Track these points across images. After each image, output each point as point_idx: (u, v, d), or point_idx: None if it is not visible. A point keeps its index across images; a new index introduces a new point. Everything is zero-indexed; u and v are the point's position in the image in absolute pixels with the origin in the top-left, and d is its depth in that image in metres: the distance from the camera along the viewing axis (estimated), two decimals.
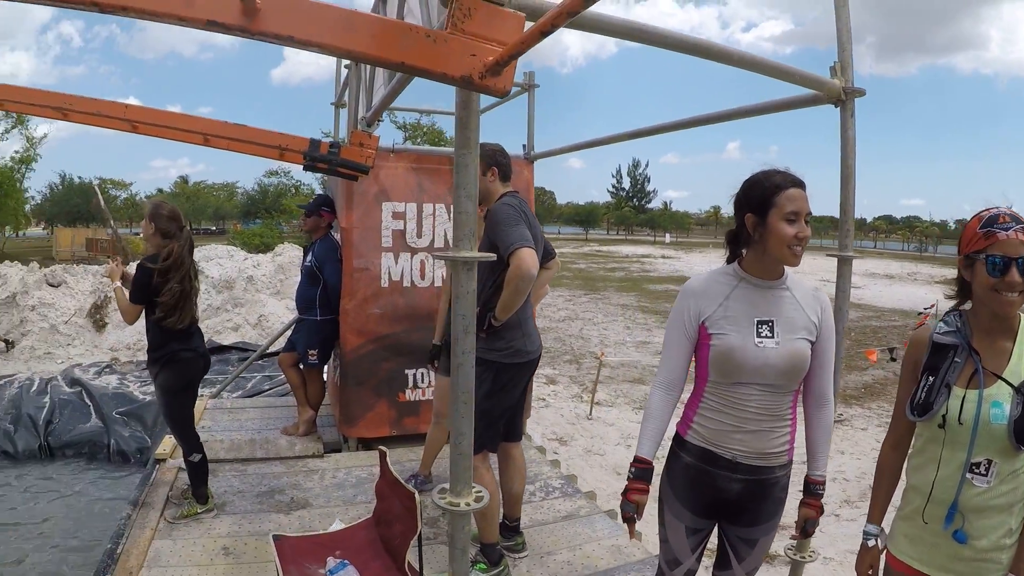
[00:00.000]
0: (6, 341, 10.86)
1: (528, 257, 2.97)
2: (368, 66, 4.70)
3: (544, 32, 1.49)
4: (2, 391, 8.41)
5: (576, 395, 9.06)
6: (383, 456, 3.26)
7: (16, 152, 36.30)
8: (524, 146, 5.79)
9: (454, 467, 2.23)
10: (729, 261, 2.29)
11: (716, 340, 2.16)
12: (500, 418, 3.46)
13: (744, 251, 2.23)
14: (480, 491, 2.23)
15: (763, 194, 2.12)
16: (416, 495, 2.77)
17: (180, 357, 4.02)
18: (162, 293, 3.86)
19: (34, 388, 8.51)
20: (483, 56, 1.71)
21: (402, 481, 2.99)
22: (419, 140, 33.52)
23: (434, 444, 4.43)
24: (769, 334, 2.13)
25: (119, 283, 4.14)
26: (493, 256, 2.58)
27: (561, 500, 4.53)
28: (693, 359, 2.31)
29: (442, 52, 1.72)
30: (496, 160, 3.48)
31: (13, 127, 34.05)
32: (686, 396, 2.36)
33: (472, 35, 1.72)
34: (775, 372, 2.11)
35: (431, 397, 5.13)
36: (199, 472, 4.19)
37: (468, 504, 2.20)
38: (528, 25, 1.73)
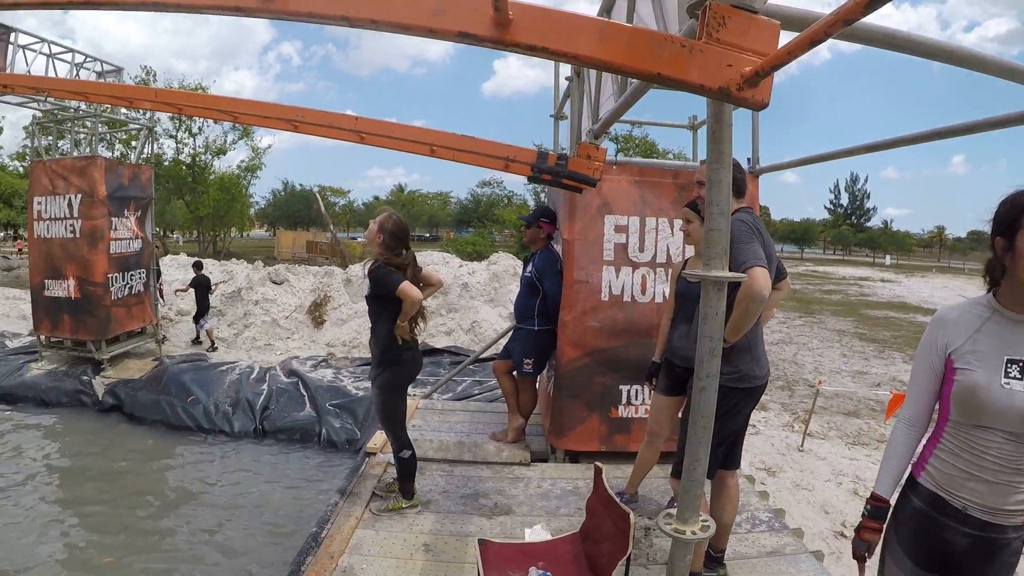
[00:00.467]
0: (212, 341, 12.18)
1: (761, 277, 2.92)
2: (593, 78, 4.83)
3: (815, 41, 1.47)
4: (224, 376, 9.65)
5: (787, 424, 8.70)
6: (599, 472, 3.30)
7: (243, 161, 41.78)
8: (748, 159, 5.66)
9: (684, 493, 2.24)
10: (989, 290, 2.13)
11: (960, 376, 2.03)
12: (721, 444, 3.41)
13: (1001, 280, 2.06)
14: (707, 520, 2.24)
15: (1011, 214, 1.96)
16: (631, 516, 2.79)
17: (402, 359, 4.33)
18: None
19: (254, 375, 9.70)
20: (739, 67, 1.70)
21: (617, 500, 3.02)
22: (631, 152, 33.57)
23: (644, 464, 4.43)
24: (1019, 375, 1.95)
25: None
26: (744, 276, 2.62)
27: (767, 534, 4.35)
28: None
29: (698, 62, 1.72)
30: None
31: (240, 138, 38.89)
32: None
33: (727, 45, 1.71)
34: (1021, 419, 1.94)
35: (644, 415, 5.18)
36: (407, 469, 4.50)
37: (694, 532, 2.20)
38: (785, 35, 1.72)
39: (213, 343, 12.23)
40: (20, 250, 40.70)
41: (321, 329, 12.66)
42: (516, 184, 59.84)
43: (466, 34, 1.83)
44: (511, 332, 6.15)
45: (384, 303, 4.26)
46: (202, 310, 12.39)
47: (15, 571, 5.37)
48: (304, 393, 9.02)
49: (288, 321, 12.94)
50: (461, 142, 4.55)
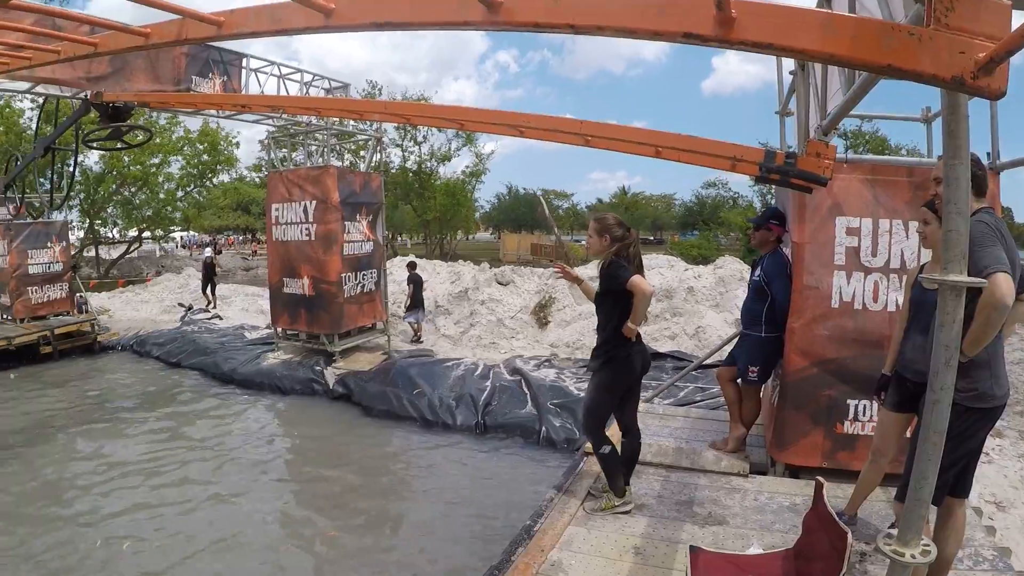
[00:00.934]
0: (417, 332, 13.07)
1: (1004, 283, 2.65)
2: (819, 71, 4.67)
3: None
4: (449, 372, 10.29)
5: None
6: (819, 488, 3.21)
7: (467, 167, 44.41)
8: (988, 154, 5.05)
9: (908, 514, 2.19)
10: None
11: None
12: (951, 467, 3.12)
13: None
14: (928, 545, 2.16)
15: None
16: (849, 536, 2.69)
17: (621, 356, 4.44)
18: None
19: (478, 372, 10.23)
20: (972, 53, 1.63)
21: (837, 518, 2.87)
22: (861, 149, 31.69)
23: (866, 484, 4.13)
24: None
25: (578, 282, 4.79)
26: (985, 283, 2.48)
27: (989, 575, 3.88)
28: None
29: (928, 51, 1.68)
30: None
31: (464, 145, 41.32)
32: None
33: (957, 30, 1.65)
34: None
35: (870, 433, 4.83)
36: (610, 464, 4.58)
37: (914, 556, 2.14)
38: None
39: (418, 335, 13.23)
40: (255, 252, 46.88)
41: (545, 330, 12.99)
42: (741, 185, 57.93)
43: (691, 34, 1.90)
44: (737, 338, 6.01)
45: (615, 300, 4.41)
46: (415, 304, 13.34)
47: (237, 534, 6.22)
48: (526, 391, 9.37)
49: (513, 321, 13.42)
50: (687, 142, 4.62)
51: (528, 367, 10.28)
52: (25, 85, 9.33)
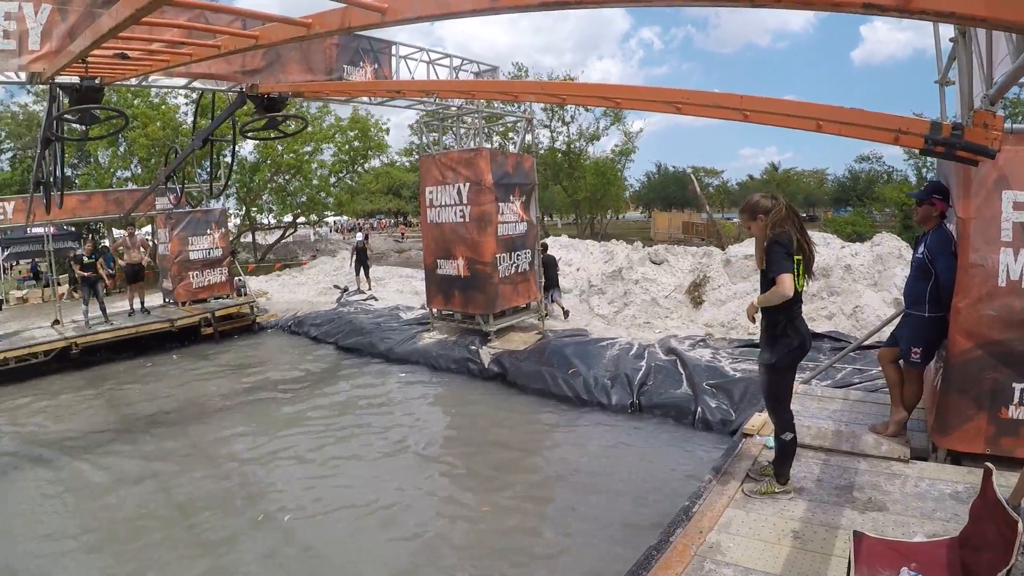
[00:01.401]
0: (563, 309, 13.29)
1: None
2: (983, 37, 4.43)
3: None
4: (604, 351, 10.41)
5: None
6: (988, 474, 3.11)
7: (616, 146, 44.66)
8: None
9: None
10: None
11: None
12: None
13: None
14: None
15: None
16: (1020, 524, 2.61)
17: (788, 335, 4.44)
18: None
19: (632, 352, 10.29)
20: None
21: (1007, 505, 2.81)
22: (1021, 118, 29.35)
23: None
24: None
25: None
26: None
27: None
28: None
29: None
30: None
31: (612, 124, 41.64)
32: None
33: None
34: None
35: None
36: (786, 452, 4.63)
37: None
38: None
39: (565, 311, 13.61)
40: (403, 234, 50.04)
41: (699, 309, 12.87)
42: (895, 159, 54.81)
43: (870, 5, 1.97)
44: (899, 318, 5.80)
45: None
46: (549, 284, 13.64)
47: (391, 506, 6.69)
48: (681, 371, 9.37)
49: (667, 300, 13.38)
50: (848, 115, 4.59)
51: (683, 347, 10.25)
52: (182, 81, 10.08)
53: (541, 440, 8.60)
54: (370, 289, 19.37)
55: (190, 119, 28.69)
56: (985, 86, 4.16)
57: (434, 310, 13.21)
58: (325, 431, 9.09)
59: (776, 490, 4.61)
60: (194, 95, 25.77)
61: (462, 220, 12.04)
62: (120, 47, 6.93)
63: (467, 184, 11.89)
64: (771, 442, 5.51)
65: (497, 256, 11.88)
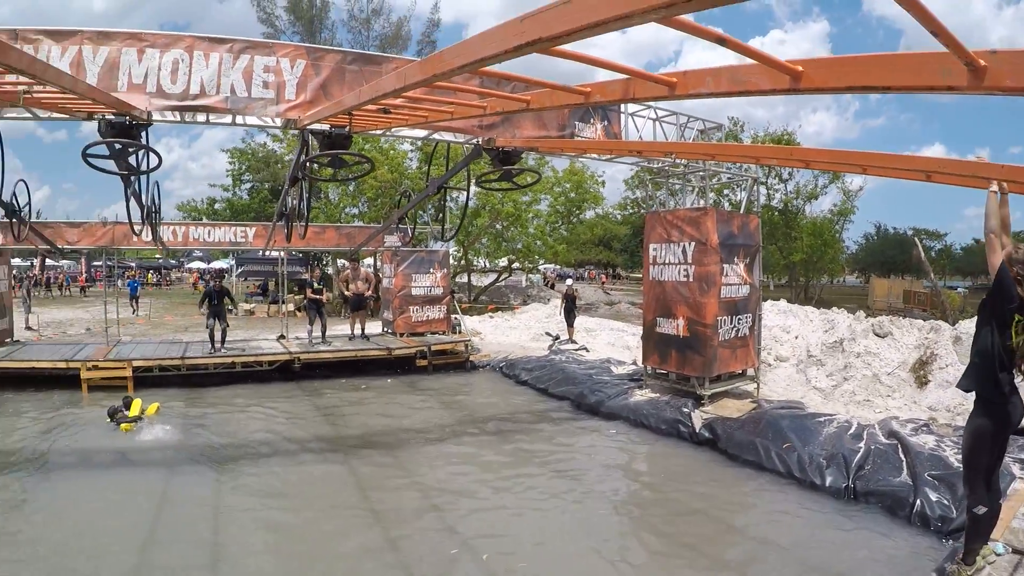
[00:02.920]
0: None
1: None
2: None
3: None
4: (821, 428, 10.60)
5: None
6: None
7: (835, 205, 44.14)
8: None
9: None
10: None
11: None
12: None
13: None
14: None
15: None
16: None
17: (1005, 404, 4.50)
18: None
19: (851, 431, 10.40)
20: None
21: None
22: None
23: None
24: None
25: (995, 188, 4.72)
26: None
27: None
28: None
29: None
30: None
31: (831, 182, 41.70)
32: None
33: None
34: None
35: None
36: (977, 527, 4.71)
37: None
38: None
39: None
40: (604, 283, 50.25)
41: (924, 390, 12.77)
42: None
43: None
44: None
45: (992, 329, 4.47)
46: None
47: (592, 557, 7.15)
48: (902, 458, 9.30)
49: (889, 378, 13.39)
50: None
51: (905, 431, 10.20)
52: (423, 133, 11.36)
53: (747, 514, 8.75)
54: (570, 339, 20.49)
55: (415, 164, 31.82)
56: None
57: (648, 367, 13.94)
58: (527, 475, 9.83)
59: (968, 572, 4.65)
60: (420, 143, 28.55)
61: (685, 280, 12.73)
62: (387, 103, 8.06)
63: (692, 243, 12.59)
64: (1000, 548, 5.41)
65: (718, 319, 12.45)
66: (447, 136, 11.46)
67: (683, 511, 8.66)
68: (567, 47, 3.71)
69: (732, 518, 8.63)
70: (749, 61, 3.52)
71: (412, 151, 33.52)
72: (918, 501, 8.31)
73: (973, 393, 4.65)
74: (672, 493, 9.34)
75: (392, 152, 32.01)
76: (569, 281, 23.87)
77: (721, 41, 3.21)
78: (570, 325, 20.92)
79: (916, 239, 30.07)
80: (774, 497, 9.11)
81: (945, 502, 8.21)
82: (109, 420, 11.74)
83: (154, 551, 7.05)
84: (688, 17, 3.03)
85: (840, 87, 3.02)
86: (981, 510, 4.60)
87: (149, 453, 10.44)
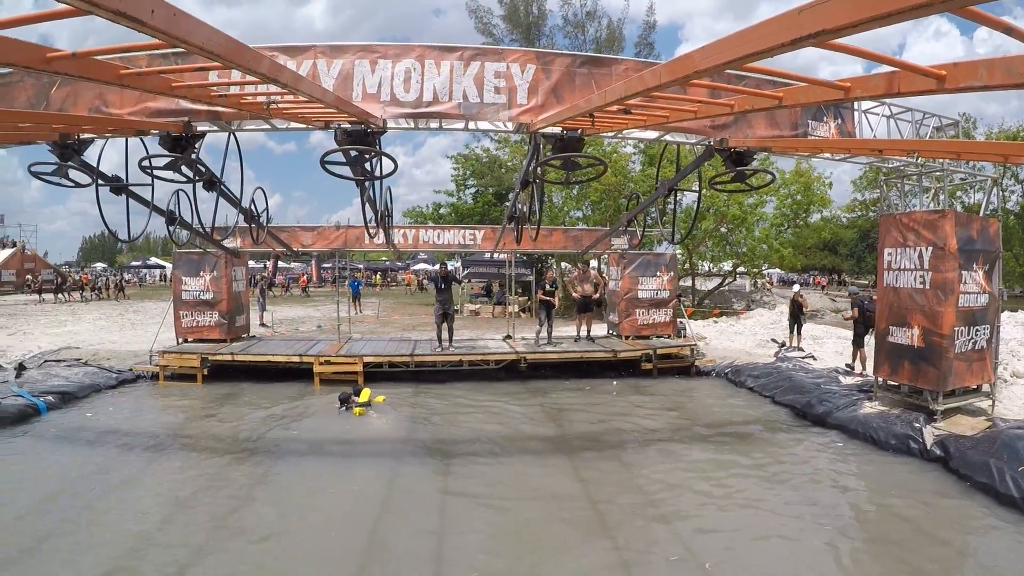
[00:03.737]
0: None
1: None
2: None
3: None
4: None
5: None
6: None
7: None
8: None
9: None
10: None
11: None
12: None
13: None
14: None
15: None
16: None
17: None
18: None
19: None
20: None
21: None
22: None
23: None
24: None
25: None
26: None
27: None
28: None
29: None
30: None
31: None
32: None
33: None
34: None
35: None
36: None
37: None
38: None
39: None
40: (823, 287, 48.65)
41: None
42: None
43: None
44: None
45: None
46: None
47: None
48: None
49: None
50: None
51: None
52: (655, 134, 11.72)
53: (978, 543, 8.30)
54: (798, 346, 20.16)
55: (637, 167, 32.18)
56: None
57: (879, 379, 13.63)
58: (751, 485, 9.92)
59: None
60: (642, 145, 28.92)
61: (921, 287, 12.41)
62: (630, 103, 8.33)
63: (929, 248, 12.26)
64: None
65: (955, 329, 12.03)
66: (679, 137, 11.85)
67: (914, 537, 8.30)
68: (844, 40, 3.72)
69: (966, 545, 8.25)
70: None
71: (635, 154, 34.24)
72: None
73: None
74: (902, 514, 8.98)
75: (615, 155, 32.66)
76: (796, 287, 23.33)
77: (1008, 31, 3.26)
78: (797, 332, 20.64)
79: None
80: (1006, 523, 8.64)
81: None
82: (340, 406, 13.26)
83: (380, 538, 7.99)
84: (980, 7, 3.04)
85: None
86: None
87: (378, 444, 11.78)
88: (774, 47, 3.58)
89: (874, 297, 15.27)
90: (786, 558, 7.52)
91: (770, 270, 52.68)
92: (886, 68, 4.42)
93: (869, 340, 16.01)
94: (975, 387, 12.90)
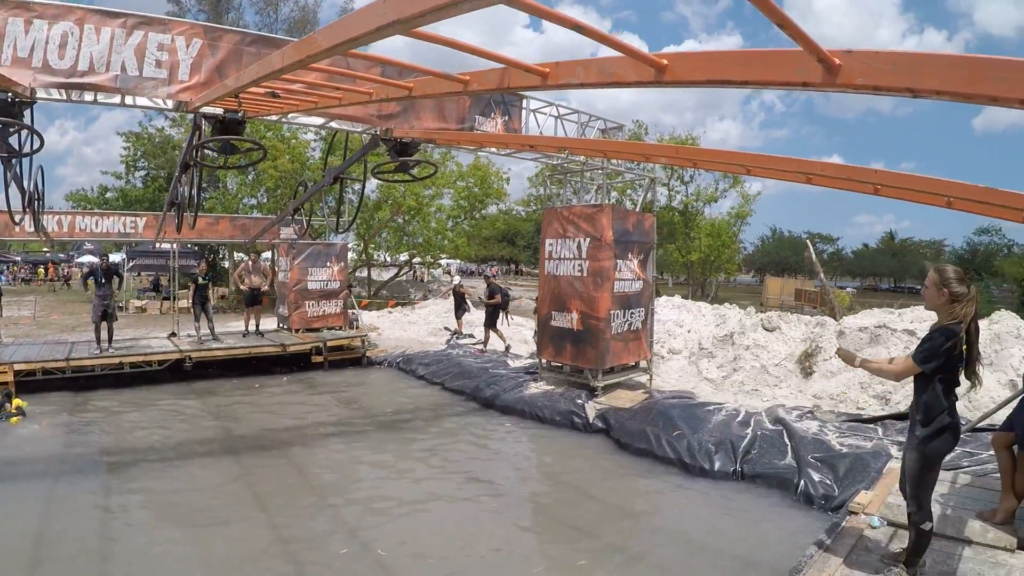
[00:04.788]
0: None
1: None
2: None
3: None
4: (710, 416, 10.79)
5: None
6: None
7: (732, 208, 45.36)
8: None
9: None
10: None
11: None
12: None
13: None
14: None
15: None
16: None
17: (950, 427, 4.59)
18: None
19: (739, 419, 10.63)
20: None
21: None
22: None
23: None
24: None
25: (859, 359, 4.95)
26: None
27: None
28: None
29: None
30: None
31: (731, 186, 42.78)
32: None
33: None
34: None
35: None
36: (924, 541, 4.78)
37: None
38: None
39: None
40: (494, 275, 52.47)
41: (809, 380, 13.07)
42: (1018, 232, 53.74)
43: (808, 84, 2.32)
44: (1016, 401, 5.95)
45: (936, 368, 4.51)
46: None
47: (491, 550, 7.03)
48: (787, 442, 9.56)
49: (777, 369, 13.64)
50: (980, 193, 4.82)
51: (790, 417, 10.48)
52: (320, 120, 10.91)
53: (641, 500, 8.90)
54: (462, 331, 20.33)
55: (317, 154, 30.74)
56: None
57: (543, 361, 13.81)
58: (423, 471, 9.62)
59: None
60: (324, 132, 27.73)
61: (580, 274, 12.68)
62: (274, 86, 7.72)
63: (587, 239, 12.55)
64: (875, 522, 5.81)
65: (611, 312, 12.43)
66: (345, 125, 11.04)
67: (580, 497, 8.68)
68: (435, 32, 3.72)
69: (629, 503, 8.71)
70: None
71: (316, 140, 32.12)
72: (802, 482, 8.58)
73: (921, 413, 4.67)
74: (567, 483, 9.32)
75: (294, 141, 30.84)
76: (457, 279, 23.73)
77: (578, 28, 3.17)
78: (459, 319, 20.68)
79: (808, 242, 31.25)
80: (666, 481, 9.23)
81: (828, 482, 8.46)
82: None
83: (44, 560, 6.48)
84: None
85: (701, 80, 3.02)
86: (928, 526, 4.69)
87: (33, 464, 9.56)
88: (365, 34, 3.51)
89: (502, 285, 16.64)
90: (461, 536, 7.36)
91: (449, 260, 53.56)
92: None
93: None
94: (633, 364, 13.49)
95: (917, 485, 4.66)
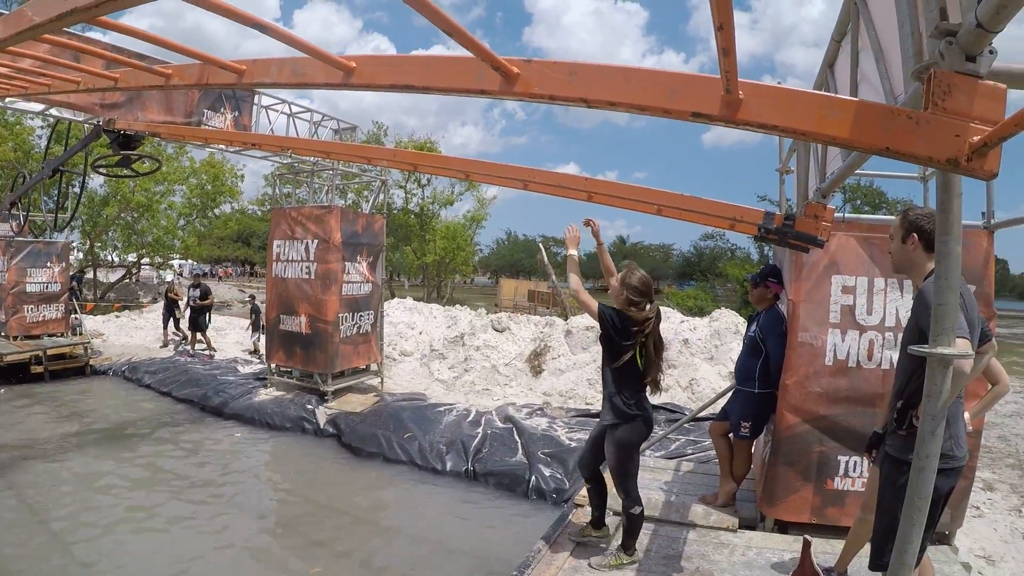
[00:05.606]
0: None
1: (963, 348, 2.72)
2: None
3: None
4: (441, 417, 10.39)
5: (1015, 508, 7.66)
6: (807, 546, 3.32)
7: (468, 211, 46.09)
8: (983, 213, 5.24)
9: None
10: None
11: None
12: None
13: None
14: None
15: None
16: None
17: (640, 417, 4.58)
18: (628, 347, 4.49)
19: (469, 419, 10.30)
20: (967, 136, 1.77)
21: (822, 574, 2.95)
22: (859, 203, 33.18)
23: (856, 540, 4.23)
24: None
25: (574, 251, 4.92)
26: (971, 354, 2.60)
27: None
28: None
29: (925, 135, 1.82)
30: (919, 226, 3.32)
31: (467, 190, 43.00)
32: None
33: (954, 114, 1.78)
34: None
35: (861, 488, 5.02)
36: (636, 525, 4.72)
37: None
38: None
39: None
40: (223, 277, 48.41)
41: (539, 378, 13.07)
42: (740, 237, 60.08)
43: (699, 114, 2.11)
44: (730, 393, 6.10)
45: (608, 350, 4.55)
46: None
47: (210, 565, 6.36)
48: (517, 440, 9.40)
49: (507, 368, 13.51)
50: (688, 202, 4.88)
51: (520, 415, 10.36)
52: (39, 107, 9.49)
53: (374, 503, 8.41)
54: (168, 340, 18.52)
55: (44, 143, 27.06)
56: (819, 179, 4.51)
57: (273, 365, 12.74)
58: (146, 483, 8.58)
59: (624, 562, 4.63)
60: (50, 120, 24.36)
61: (307, 277, 11.83)
62: None
63: (315, 241, 11.74)
64: None
65: (340, 315, 11.71)
66: (67, 113, 9.57)
67: (315, 506, 8.13)
68: (116, 20, 3.42)
69: (363, 508, 8.20)
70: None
71: (43, 128, 28.29)
72: (533, 477, 8.43)
73: (615, 407, 4.62)
74: (300, 491, 8.70)
75: (18, 127, 26.54)
76: (170, 278, 21.66)
77: (263, 28, 2.96)
78: (175, 325, 18.71)
79: (542, 245, 32.51)
80: (401, 484, 8.89)
81: (559, 476, 8.37)
82: None
83: None
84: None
85: (385, 84, 2.92)
86: (637, 510, 4.67)
87: None
88: (53, 19, 2.92)
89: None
90: (188, 552, 6.61)
91: (181, 261, 49.74)
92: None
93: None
94: (364, 367, 12.79)
95: (622, 475, 4.65)
